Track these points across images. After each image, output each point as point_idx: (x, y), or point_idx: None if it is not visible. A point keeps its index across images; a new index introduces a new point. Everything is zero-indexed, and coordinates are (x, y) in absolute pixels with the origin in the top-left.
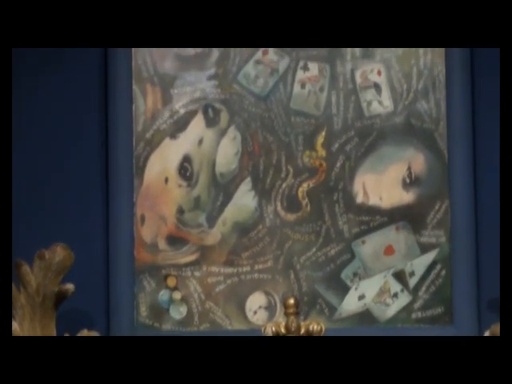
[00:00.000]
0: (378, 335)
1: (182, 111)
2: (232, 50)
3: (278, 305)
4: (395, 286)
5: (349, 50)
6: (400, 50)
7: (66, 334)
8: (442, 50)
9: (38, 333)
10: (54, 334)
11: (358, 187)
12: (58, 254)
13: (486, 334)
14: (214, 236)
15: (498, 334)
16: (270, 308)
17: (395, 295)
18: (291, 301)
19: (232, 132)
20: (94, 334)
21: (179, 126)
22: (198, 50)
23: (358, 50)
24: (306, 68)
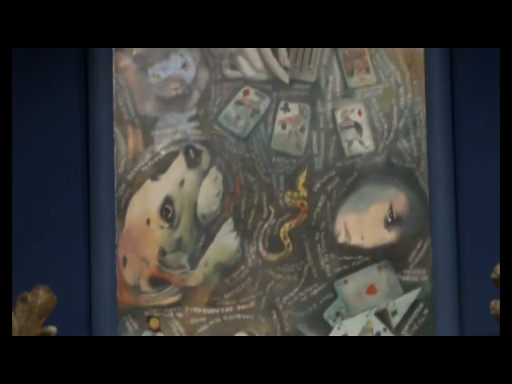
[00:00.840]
0: None
1: (163, 153)
2: (213, 90)
3: None
4: (378, 325)
5: (329, 89)
6: (380, 89)
7: None
8: (423, 88)
9: None
10: None
11: (339, 227)
12: (41, 296)
13: None
14: (196, 277)
15: None
16: None
17: (378, 334)
18: None
19: (213, 173)
20: None
21: (160, 167)
22: (179, 91)
23: (338, 90)
24: (286, 108)
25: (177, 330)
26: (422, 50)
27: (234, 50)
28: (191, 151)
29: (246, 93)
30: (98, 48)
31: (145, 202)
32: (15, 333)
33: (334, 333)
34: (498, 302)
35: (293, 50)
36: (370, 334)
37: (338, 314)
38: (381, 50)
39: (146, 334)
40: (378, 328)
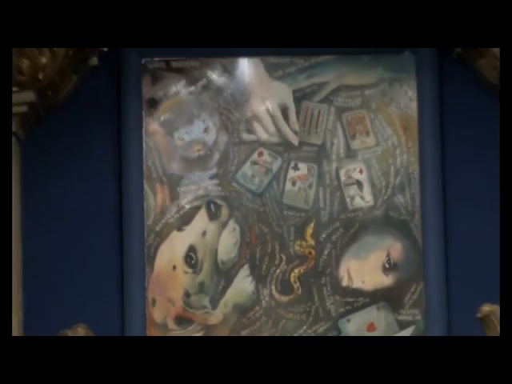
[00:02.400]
0: None
1: (187, 207)
2: (231, 152)
3: None
4: None
5: (334, 150)
6: (379, 151)
7: None
8: (417, 150)
9: None
10: None
11: (343, 272)
12: (79, 333)
13: None
14: (216, 316)
15: None
16: None
17: None
18: None
19: (232, 225)
20: None
21: (185, 219)
22: (201, 152)
23: (342, 152)
24: (296, 168)
25: None
26: (416, 115)
27: (249, 115)
28: (212, 205)
29: (261, 154)
30: (129, 113)
31: (171, 250)
32: None
33: None
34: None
35: (301, 115)
36: None
37: None
38: (379, 115)
39: None
40: None
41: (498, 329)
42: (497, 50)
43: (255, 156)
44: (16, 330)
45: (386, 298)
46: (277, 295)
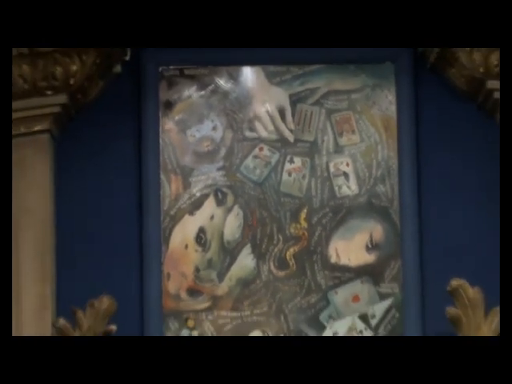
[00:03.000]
0: None
1: (197, 194)
2: (235, 147)
3: None
4: (360, 326)
5: (324, 146)
6: (363, 147)
7: None
8: (395, 146)
9: None
10: None
11: (331, 251)
12: (104, 303)
13: None
14: (222, 288)
15: None
16: None
17: (360, 332)
18: None
19: (236, 210)
20: None
21: (196, 205)
22: (210, 147)
23: (331, 147)
24: (291, 161)
25: (208, 328)
26: (395, 116)
27: (251, 116)
28: (219, 193)
29: (261, 149)
30: (148, 113)
31: (184, 232)
32: (83, 330)
33: (327, 331)
34: (453, 308)
35: (296, 116)
36: (354, 333)
37: (330, 316)
38: (363, 116)
39: (184, 332)
40: (360, 327)
41: (466, 301)
42: (465, 59)
43: (256, 151)
44: (49, 301)
45: (369, 273)
46: (274, 270)
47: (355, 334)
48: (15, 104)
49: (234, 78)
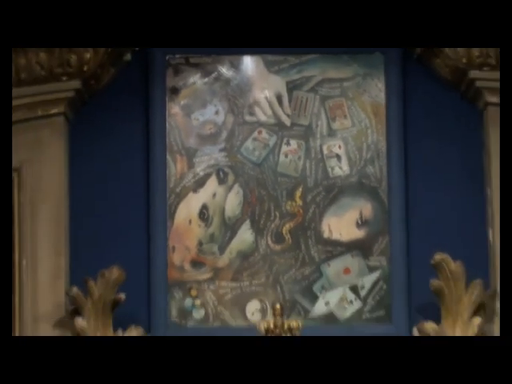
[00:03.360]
0: (339, 331)
1: (201, 173)
2: (236, 130)
3: (269, 309)
4: (350, 296)
5: (318, 130)
6: (354, 131)
7: (119, 330)
8: (384, 130)
9: (99, 328)
10: (111, 329)
11: (324, 227)
12: (114, 273)
13: (414, 329)
14: (223, 260)
15: (425, 331)
16: (263, 311)
17: (350, 302)
18: (278, 306)
19: (236, 188)
20: (140, 329)
21: (199, 184)
22: (213, 130)
23: (324, 131)
24: (288, 143)
25: (209, 297)
26: (384, 103)
27: (251, 101)
28: (221, 173)
29: (260, 132)
30: (156, 99)
31: (188, 208)
32: (95, 299)
33: (320, 301)
34: (436, 281)
35: (293, 102)
36: (345, 303)
37: (322, 287)
38: (355, 103)
39: (188, 300)
40: (350, 298)
41: (448, 274)
42: (449, 51)
43: (256, 134)
44: (63, 272)
45: (359, 247)
46: (271, 244)
47: (346, 304)
48: (33, 89)
49: (236, 66)
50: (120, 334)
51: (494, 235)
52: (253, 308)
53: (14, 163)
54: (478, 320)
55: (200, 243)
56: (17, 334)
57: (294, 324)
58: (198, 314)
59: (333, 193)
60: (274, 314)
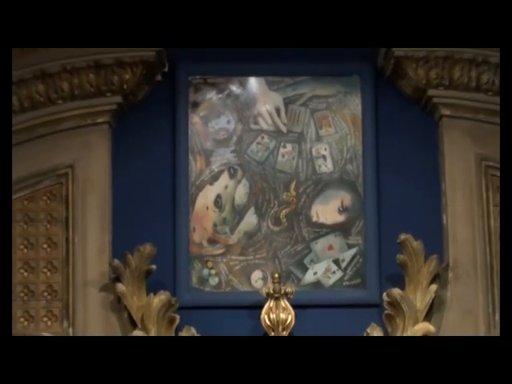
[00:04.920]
0: (324, 295)
1: (216, 170)
2: (244, 136)
3: (269, 277)
4: (333, 267)
5: (308, 136)
6: (337, 137)
7: (151, 294)
8: (361, 136)
9: (135, 292)
10: (145, 293)
11: (313, 213)
12: (147, 248)
13: (384, 295)
14: (233, 239)
15: (392, 295)
16: (264, 279)
17: (333, 272)
18: (276, 275)
19: (244, 182)
20: (167, 293)
21: (214, 178)
22: (225, 136)
23: (313, 137)
24: (284, 146)
25: (222, 268)
26: (360, 115)
27: (255, 113)
28: (231, 169)
29: (262, 138)
30: (180, 111)
31: (205, 197)
32: (132, 269)
33: (309, 271)
34: (401, 256)
35: (288, 113)
36: (329, 273)
37: (312, 261)
38: (337, 114)
39: (205, 270)
40: (333, 269)
41: (411, 250)
42: (412, 74)
43: (259, 139)
44: (107, 247)
45: (340, 229)
46: (271, 226)
47: (330, 274)
48: (84, 102)
49: (243, 85)
50: (152, 297)
51: (448, 219)
52: (256, 277)
53: (69, 161)
54: (434, 287)
55: (215, 225)
56: (70, 297)
57: (289, 289)
58: (213, 281)
59: (320, 186)
60: (273, 282)
